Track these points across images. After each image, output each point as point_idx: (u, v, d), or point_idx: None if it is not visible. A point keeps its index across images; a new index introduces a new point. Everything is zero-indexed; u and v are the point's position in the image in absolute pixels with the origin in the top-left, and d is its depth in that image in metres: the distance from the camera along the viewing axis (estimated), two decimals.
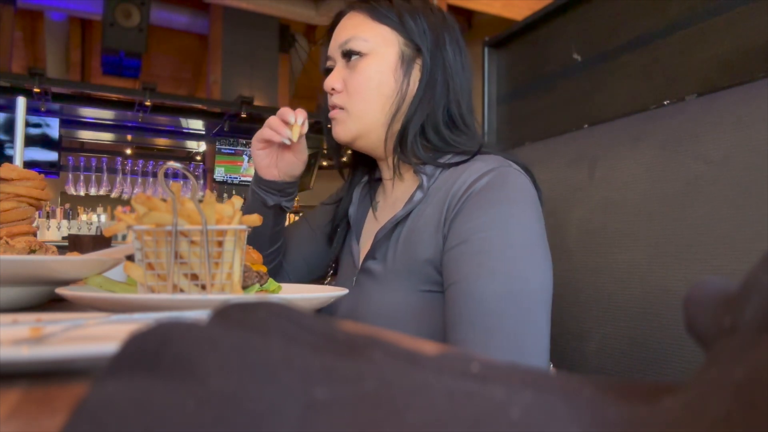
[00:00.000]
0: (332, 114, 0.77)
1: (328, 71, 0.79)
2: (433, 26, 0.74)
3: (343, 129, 0.76)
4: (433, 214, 0.69)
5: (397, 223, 0.72)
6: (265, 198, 0.83)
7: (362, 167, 0.86)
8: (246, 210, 0.83)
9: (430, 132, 0.73)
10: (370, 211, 0.84)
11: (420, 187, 0.72)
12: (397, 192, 0.79)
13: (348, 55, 0.75)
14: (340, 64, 0.77)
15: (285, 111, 0.78)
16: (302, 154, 0.82)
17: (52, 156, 4.75)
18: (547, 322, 0.63)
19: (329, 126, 0.81)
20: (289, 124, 0.77)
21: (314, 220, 0.95)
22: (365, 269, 0.75)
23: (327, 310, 0.80)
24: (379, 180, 0.85)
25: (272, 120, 0.79)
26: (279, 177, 0.83)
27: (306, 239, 0.93)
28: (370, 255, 0.74)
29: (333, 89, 0.76)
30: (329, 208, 0.93)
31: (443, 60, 0.74)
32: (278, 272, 0.93)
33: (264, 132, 0.80)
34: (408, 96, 0.74)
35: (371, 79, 0.73)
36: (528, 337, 0.61)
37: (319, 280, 0.92)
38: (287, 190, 0.84)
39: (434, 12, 0.76)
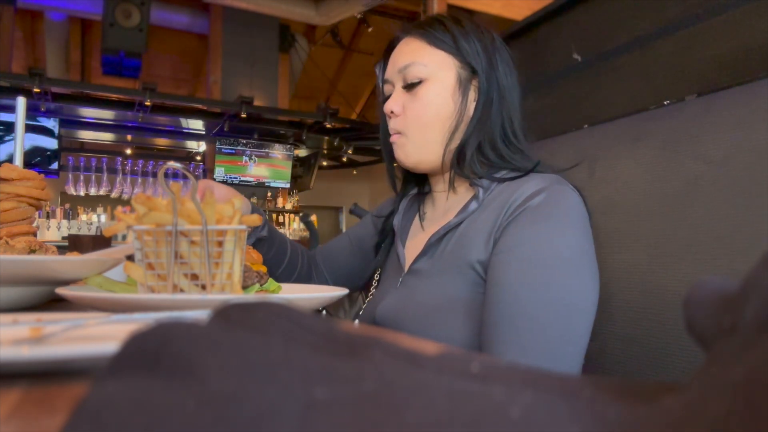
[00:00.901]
0: (393, 139, 0.80)
1: (386, 95, 0.82)
2: (485, 48, 0.77)
3: (405, 155, 0.79)
4: (487, 219, 0.70)
5: (450, 229, 0.74)
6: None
7: (413, 180, 0.89)
8: None
9: (488, 149, 0.76)
10: (416, 221, 0.86)
11: (476, 197, 0.74)
12: (450, 203, 0.81)
13: (408, 80, 0.77)
14: (398, 88, 0.79)
15: None
16: (236, 199, 0.85)
17: (51, 156, 4.76)
18: (585, 338, 0.64)
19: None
20: None
21: (354, 233, 0.99)
22: (412, 270, 0.77)
23: (368, 311, 0.82)
24: (428, 191, 0.87)
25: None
26: None
27: (346, 253, 0.98)
28: (419, 258, 0.76)
29: (392, 113, 0.79)
30: (371, 222, 0.97)
31: (497, 79, 0.77)
32: (317, 281, 0.99)
33: None
34: (466, 116, 0.76)
35: (431, 104, 0.76)
36: (564, 349, 0.62)
37: (362, 290, 0.94)
38: (254, 227, 0.88)
39: (485, 34, 0.79)
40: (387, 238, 0.89)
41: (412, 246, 0.82)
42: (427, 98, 0.76)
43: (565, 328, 0.62)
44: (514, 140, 0.77)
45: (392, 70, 0.80)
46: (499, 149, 0.76)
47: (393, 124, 0.79)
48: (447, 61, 0.77)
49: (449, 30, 0.77)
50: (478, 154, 0.76)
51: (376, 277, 0.89)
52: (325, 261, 1.00)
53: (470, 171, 0.76)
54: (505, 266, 0.65)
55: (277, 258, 0.92)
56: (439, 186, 0.83)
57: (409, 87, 0.78)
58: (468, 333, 0.67)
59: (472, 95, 0.77)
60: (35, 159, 4.65)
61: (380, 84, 0.84)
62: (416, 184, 0.88)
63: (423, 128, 0.77)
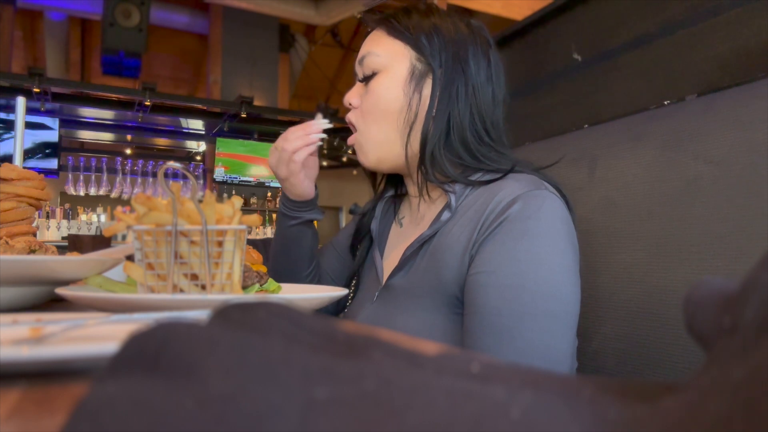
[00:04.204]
0: (350, 140, 0.79)
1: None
2: (453, 41, 0.73)
3: (365, 157, 0.77)
4: (461, 233, 0.67)
5: (424, 242, 0.71)
6: (310, 217, 0.87)
7: (391, 182, 0.87)
8: (287, 238, 0.87)
9: (459, 147, 0.72)
10: (394, 225, 0.84)
11: (448, 206, 0.71)
12: (424, 209, 0.78)
13: (364, 72, 0.76)
14: (360, 80, 0.78)
15: (302, 127, 0.81)
16: (315, 157, 0.85)
17: (51, 156, 4.76)
18: (572, 352, 0.63)
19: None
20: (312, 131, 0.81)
21: (338, 240, 0.97)
22: (389, 286, 0.74)
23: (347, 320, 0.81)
24: (405, 194, 0.85)
25: (295, 134, 0.81)
26: (313, 190, 0.86)
27: (333, 260, 0.95)
28: (395, 272, 0.74)
29: (350, 104, 0.78)
30: (351, 224, 0.95)
31: (464, 74, 0.72)
32: None
33: (299, 147, 0.80)
34: (421, 111, 0.73)
35: (381, 96, 0.74)
36: (552, 367, 0.60)
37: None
38: (316, 202, 0.88)
39: (457, 24, 0.75)
40: (363, 240, 0.86)
41: (390, 255, 0.80)
42: (378, 91, 0.74)
43: (554, 354, 0.60)
44: (487, 138, 0.73)
45: (356, 61, 0.79)
46: (471, 148, 0.72)
47: (349, 116, 0.78)
48: (402, 51, 0.74)
49: (412, 19, 0.75)
50: (447, 152, 0.72)
51: (352, 286, 0.87)
52: (329, 278, 0.96)
53: (440, 173, 0.72)
54: (485, 290, 0.62)
55: (313, 254, 0.90)
56: (412, 189, 0.80)
57: (365, 80, 0.76)
58: None
59: (428, 90, 0.73)
60: (36, 156, 4.65)
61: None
62: (392, 185, 0.86)
63: (374, 123, 0.74)
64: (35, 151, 4.66)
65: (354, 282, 0.87)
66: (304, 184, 0.82)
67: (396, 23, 0.75)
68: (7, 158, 4.11)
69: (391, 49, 0.74)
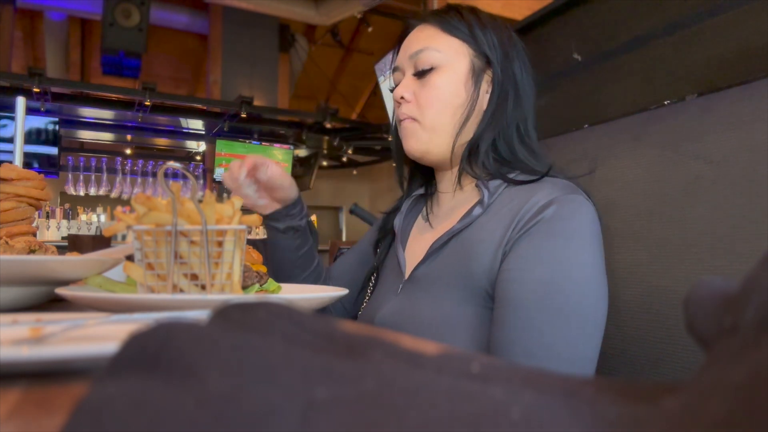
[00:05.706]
0: (404, 124, 0.78)
1: (396, 83, 0.81)
2: (502, 41, 0.76)
3: (416, 142, 0.77)
4: (495, 228, 0.68)
5: (453, 235, 0.72)
6: (276, 225, 0.88)
7: (419, 180, 0.87)
8: (272, 247, 0.89)
9: (503, 146, 0.74)
10: (418, 221, 0.84)
11: (480, 202, 0.71)
12: (453, 205, 0.79)
13: (419, 67, 0.76)
14: (409, 75, 0.78)
15: (235, 169, 0.83)
16: (286, 180, 0.86)
17: (51, 155, 4.76)
18: (596, 355, 0.64)
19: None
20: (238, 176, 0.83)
21: (361, 244, 0.97)
22: (413, 278, 0.75)
23: (367, 314, 0.80)
24: (433, 192, 0.85)
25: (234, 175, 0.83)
26: (281, 206, 0.88)
27: (355, 266, 0.95)
28: (420, 264, 0.74)
29: (402, 98, 0.77)
30: (374, 229, 0.95)
31: (513, 74, 0.75)
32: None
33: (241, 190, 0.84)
34: (478, 107, 0.75)
35: (443, 90, 0.75)
36: (576, 368, 0.61)
37: (361, 291, 0.91)
38: (292, 212, 0.88)
39: (502, 29, 0.78)
40: (387, 236, 0.87)
41: (413, 250, 0.80)
42: (439, 85, 0.75)
43: (577, 349, 0.61)
44: (528, 140, 0.76)
45: (404, 56, 0.79)
46: (514, 147, 0.74)
47: (404, 110, 0.78)
48: (461, 48, 0.75)
49: (465, 18, 0.76)
50: (493, 151, 0.74)
51: (371, 283, 0.87)
52: (340, 279, 0.95)
53: (481, 167, 0.74)
54: (518, 286, 0.63)
55: (309, 257, 0.90)
56: (445, 185, 0.81)
57: (421, 74, 0.76)
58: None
59: (485, 86, 0.76)
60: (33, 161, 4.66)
61: (390, 73, 0.83)
62: (422, 183, 0.87)
63: (435, 115, 0.75)
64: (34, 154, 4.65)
65: (373, 279, 0.87)
66: (260, 204, 0.86)
67: (451, 20, 0.76)
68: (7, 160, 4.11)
69: (450, 46, 0.76)
